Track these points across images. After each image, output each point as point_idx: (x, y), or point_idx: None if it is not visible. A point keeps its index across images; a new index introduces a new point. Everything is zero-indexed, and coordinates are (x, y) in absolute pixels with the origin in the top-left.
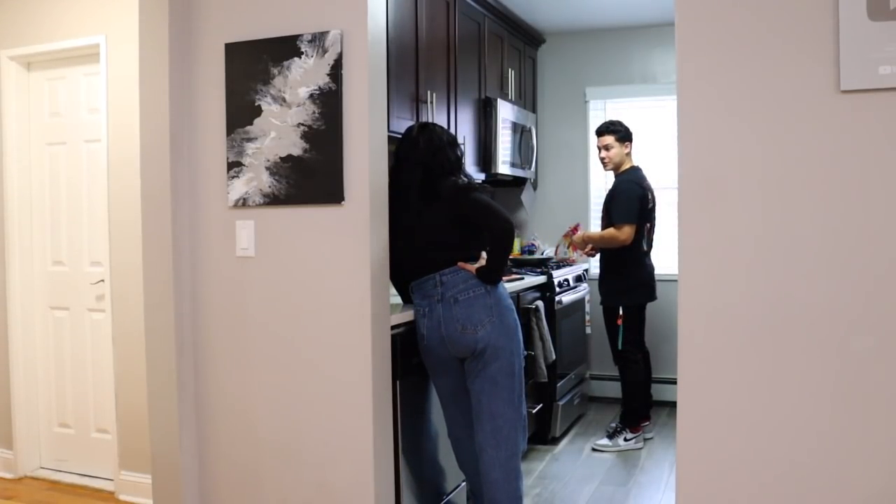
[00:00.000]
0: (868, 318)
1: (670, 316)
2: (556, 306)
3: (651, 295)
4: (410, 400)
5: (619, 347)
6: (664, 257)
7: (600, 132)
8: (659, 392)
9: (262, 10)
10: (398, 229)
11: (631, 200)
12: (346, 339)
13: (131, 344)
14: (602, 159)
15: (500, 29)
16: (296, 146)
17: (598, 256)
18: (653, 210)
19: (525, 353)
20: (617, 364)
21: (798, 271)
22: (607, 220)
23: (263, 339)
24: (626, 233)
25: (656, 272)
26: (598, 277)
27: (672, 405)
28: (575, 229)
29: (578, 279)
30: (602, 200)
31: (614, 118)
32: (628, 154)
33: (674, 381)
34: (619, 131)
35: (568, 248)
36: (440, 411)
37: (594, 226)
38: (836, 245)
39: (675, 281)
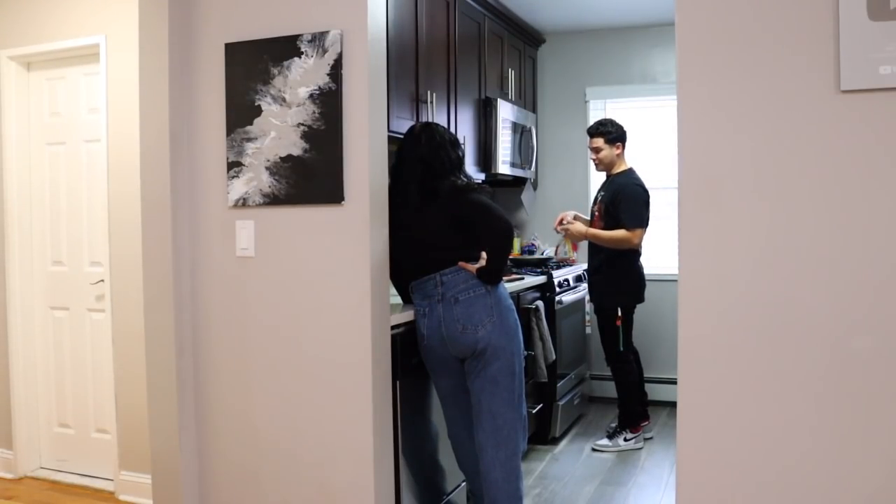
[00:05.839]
0: (869, 318)
1: (669, 316)
2: (556, 306)
3: (643, 296)
4: (410, 400)
5: (622, 349)
6: (663, 257)
7: (590, 133)
8: (658, 392)
9: (261, 10)
10: (398, 227)
11: (642, 205)
12: (346, 339)
13: (131, 344)
14: (593, 160)
15: (500, 29)
16: (296, 146)
17: (587, 257)
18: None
19: (525, 353)
20: (610, 365)
21: (798, 271)
22: (609, 221)
23: (263, 339)
24: (638, 236)
25: (655, 272)
26: (587, 279)
27: (672, 405)
28: None
29: (578, 279)
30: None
31: (606, 118)
32: (619, 155)
33: (673, 381)
34: (608, 133)
35: (565, 241)
36: (440, 411)
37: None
38: (836, 245)
39: (674, 281)
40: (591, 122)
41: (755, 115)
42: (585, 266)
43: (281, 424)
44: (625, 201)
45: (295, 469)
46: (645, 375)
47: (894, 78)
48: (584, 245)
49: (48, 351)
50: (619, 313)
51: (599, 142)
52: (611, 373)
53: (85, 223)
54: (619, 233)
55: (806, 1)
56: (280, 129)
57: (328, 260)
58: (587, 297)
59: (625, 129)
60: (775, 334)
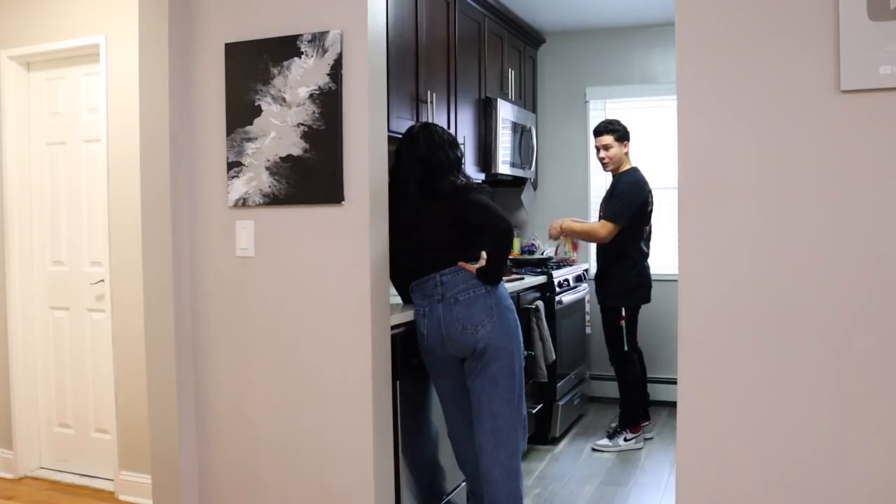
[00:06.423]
0: (868, 318)
1: (669, 316)
2: (556, 306)
3: (648, 296)
4: (410, 400)
5: (626, 348)
6: (664, 257)
7: (598, 132)
8: (659, 392)
9: (262, 10)
10: (398, 227)
11: (631, 203)
12: (346, 339)
13: (131, 344)
14: (602, 160)
15: (500, 29)
16: (296, 146)
17: (594, 256)
18: (651, 213)
19: (525, 353)
20: (613, 365)
21: (798, 271)
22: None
23: (263, 339)
24: (608, 230)
25: (655, 272)
26: (594, 278)
27: (672, 405)
28: None
29: (578, 279)
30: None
31: (612, 117)
32: (626, 154)
33: (673, 381)
34: (617, 130)
35: (564, 240)
36: (440, 411)
37: None
38: (835, 244)
39: (675, 281)
40: (592, 122)
41: (755, 114)
42: (585, 266)
43: (281, 424)
44: (615, 195)
45: (295, 469)
46: (647, 376)
47: (894, 78)
48: (586, 245)
49: (48, 351)
50: (623, 313)
51: (609, 139)
52: (614, 372)
53: (85, 223)
54: (589, 224)
55: (806, 1)
56: (280, 129)
57: (328, 260)
58: (587, 297)
59: (628, 129)
60: (776, 334)
